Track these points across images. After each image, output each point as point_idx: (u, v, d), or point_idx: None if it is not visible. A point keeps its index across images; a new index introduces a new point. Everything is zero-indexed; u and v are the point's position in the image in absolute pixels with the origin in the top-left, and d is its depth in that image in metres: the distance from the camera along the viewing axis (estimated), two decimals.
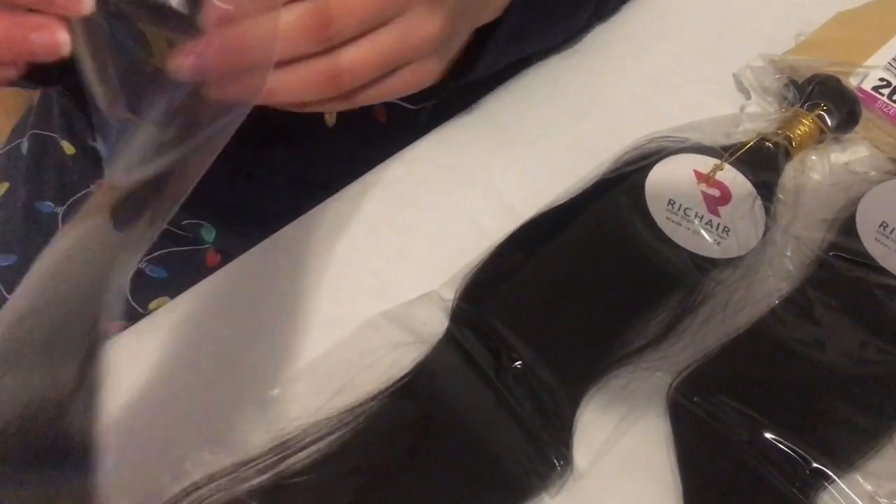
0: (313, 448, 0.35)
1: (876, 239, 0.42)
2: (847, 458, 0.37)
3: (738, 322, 0.41)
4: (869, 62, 0.49)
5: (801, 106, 0.46)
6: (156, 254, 0.57)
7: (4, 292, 0.58)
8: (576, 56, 0.52)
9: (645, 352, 0.39)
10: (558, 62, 0.51)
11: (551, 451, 0.36)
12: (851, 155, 0.47)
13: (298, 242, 0.42)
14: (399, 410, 0.37)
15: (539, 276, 0.41)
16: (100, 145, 0.55)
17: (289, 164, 0.54)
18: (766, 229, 0.42)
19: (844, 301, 0.41)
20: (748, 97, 0.49)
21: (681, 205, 0.42)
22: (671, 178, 0.43)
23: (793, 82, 0.48)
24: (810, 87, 0.46)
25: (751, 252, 0.42)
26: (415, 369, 0.38)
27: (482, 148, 0.47)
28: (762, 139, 0.45)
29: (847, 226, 0.43)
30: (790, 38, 0.52)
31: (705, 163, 0.44)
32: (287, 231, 0.43)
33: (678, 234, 0.41)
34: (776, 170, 0.44)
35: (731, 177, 0.43)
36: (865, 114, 0.48)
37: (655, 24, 0.54)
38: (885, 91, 0.48)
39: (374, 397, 0.37)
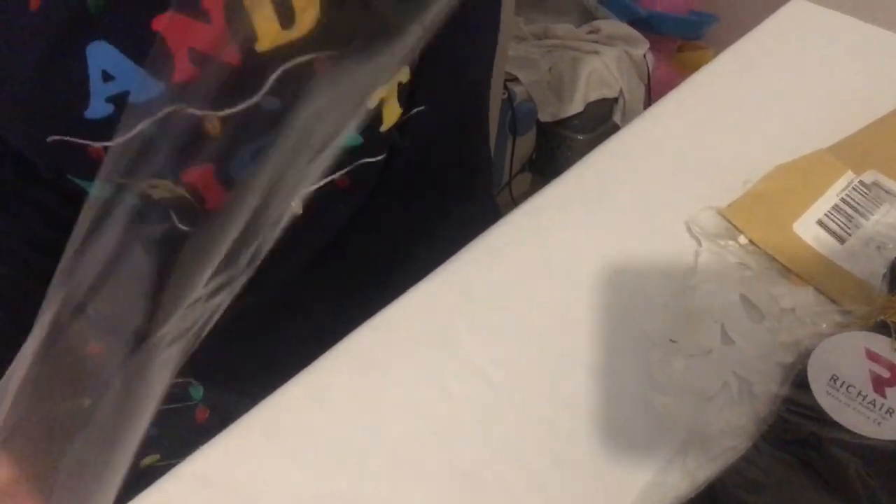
0: None
1: (827, 393, 0.44)
2: None
3: (697, 480, 0.43)
4: (807, 213, 0.53)
5: None
6: None
7: None
8: (538, 215, 0.55)
9: None
10: (519, 220, 0.54)
11: None
12: (796, 300, 0.50)
13: (271, 421, 0.45)
14: None
15: None
16: None
17: (271, 325, 0.56)
18: None
19: (798, 456, 0.42)
20: (699, 244, 0.52)
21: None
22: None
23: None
24: None
25: None
26: None
27: (448, 310, 0.49)
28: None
29: (799, 380, 0.45)
30: (739, 183, 0.56)
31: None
32: (258, 411, 0.45)
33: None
34: None
35: None
36: (817, 260, 0.51)
37: (609, 175, 0.57)
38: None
39: None
